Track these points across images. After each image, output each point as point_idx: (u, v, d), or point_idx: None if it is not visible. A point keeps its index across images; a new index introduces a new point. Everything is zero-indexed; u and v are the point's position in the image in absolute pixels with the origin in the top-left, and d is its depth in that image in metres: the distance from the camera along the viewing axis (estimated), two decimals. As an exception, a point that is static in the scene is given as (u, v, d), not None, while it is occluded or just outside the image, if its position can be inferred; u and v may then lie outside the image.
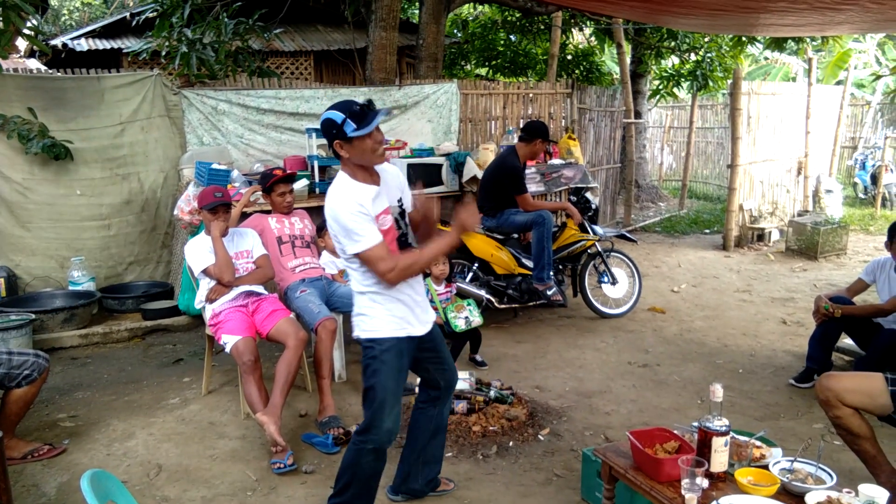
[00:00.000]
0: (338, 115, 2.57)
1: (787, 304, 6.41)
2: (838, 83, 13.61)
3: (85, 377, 4.79)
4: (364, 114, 2.56)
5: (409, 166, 6.00)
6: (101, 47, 9.07)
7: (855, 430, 2.84)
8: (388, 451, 2.84)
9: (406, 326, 2.74)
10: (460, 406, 3.85)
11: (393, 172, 2.84)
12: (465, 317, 4.67)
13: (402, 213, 2.83)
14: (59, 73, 5.94)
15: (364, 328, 2.73)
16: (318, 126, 6.09)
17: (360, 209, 2.55)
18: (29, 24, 5.58)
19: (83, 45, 9.11)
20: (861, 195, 12.79)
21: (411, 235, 2.86)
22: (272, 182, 4.57)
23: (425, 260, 2.69)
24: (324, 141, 6.13)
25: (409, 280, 2.72)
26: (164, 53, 5.92)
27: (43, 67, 9.82)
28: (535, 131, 5.44)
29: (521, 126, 5.79)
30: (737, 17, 4.84)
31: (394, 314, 2.71)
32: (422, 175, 5.85)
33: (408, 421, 3.28)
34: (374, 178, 2.71)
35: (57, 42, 9.15)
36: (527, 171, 6.08)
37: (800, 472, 2.42)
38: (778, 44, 10.41)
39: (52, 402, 4.34)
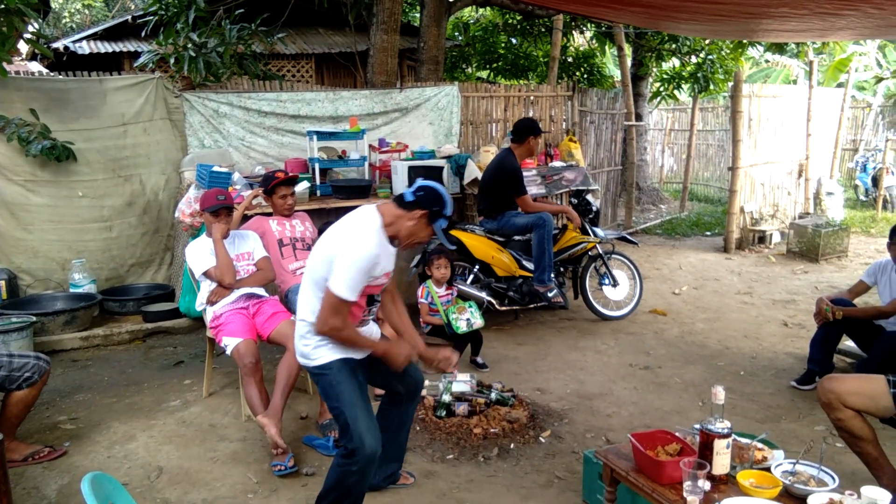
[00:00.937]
0: (448, 208, 2.77)
1: (788, 307, 6.41)
2: (839, 86, 13.60)
3: (86, 379, 4.79)
4: (451, 223, 2.77)
5: (411, 168, 6.00)
6: (102, 50, 9.09)
7: (857, 433, 2.84)
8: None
9: (348, 352, 2.79)
10: (461, 408, 3.85)
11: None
12: (467, 318, 4.68)
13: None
14: (61, 76, 5.94)
15: (311, 357, 2.79)
16: (317, 129, 6.11)
17: (367, 266, 2.63)
18: (31, 28, 5.59)
19: (85, 47, 9.12)
20: (862, 197, 12.78)
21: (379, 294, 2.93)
22: (274, 184, 4.57)
23: (361, 345, 2.80)
24: (325, 143, 6.18)
25: (361, 326, 2.88)
26: (172, 61, 5.93)
27: (45, 70, 9.84)
28: (523, 130, 5.45)
29: (511, 129, 5.79)
30: (738, 23, 4.85)
31: (333, 343, 2.77)
32: (422, 178, 5.84)
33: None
34: (392, 241, 2.80)
35: (59, 45, 9.17)
36: (527, 174, 6.09)
37: (802, 474, 2.42)
38: (779, 46, 10.44)
39: (52, 404, 4.33)
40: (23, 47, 5.82)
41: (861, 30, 5.02)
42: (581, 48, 13.17)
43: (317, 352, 2.76)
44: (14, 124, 5.48)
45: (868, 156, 13.24)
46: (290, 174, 4.79)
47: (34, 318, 5.11)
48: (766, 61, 18.91)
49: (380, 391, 3.68)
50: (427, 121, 7.10)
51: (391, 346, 2.88)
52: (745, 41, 10.70)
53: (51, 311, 5.41)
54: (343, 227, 2.74)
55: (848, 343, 4.72)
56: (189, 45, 5.93)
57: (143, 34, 6.43)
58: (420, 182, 2.77)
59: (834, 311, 4.30)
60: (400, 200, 2.74)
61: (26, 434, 3.82)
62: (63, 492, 3.30)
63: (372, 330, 2.97)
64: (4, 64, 5.29)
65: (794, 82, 17.52)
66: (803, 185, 9.74)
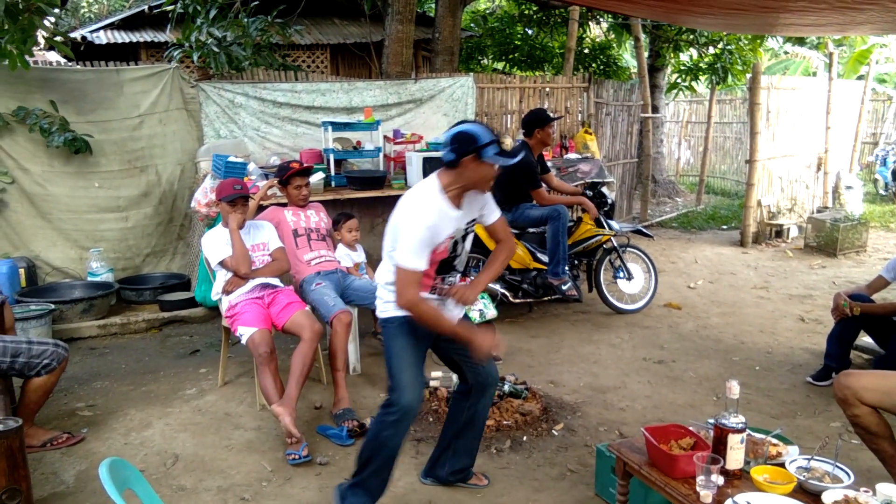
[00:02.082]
0: (485, 135, 2.62)
1: (805, 302, 6.35)
2: (859, 78, 13.42)
3: (103, 367, 4.85)
4: (502, 148, 2.65)
5: (425, 160, 5.99)
6: (119, 40, 9.14)
7: (873, 429, 2.81)
8: (403, 442, 2.88)
9: None
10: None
11: (480, 197, 2.86)
12: (480, 309, 4.67)
13: (465, 236, 2.89)
14: (78, 66, 5.99)
15: (381, 309, 2.90)
16: (332, 120, 6.12)
17: (427, 232, 2.62)
18: (48, 24, 5.63)
19: (102, 37, 9.18)
20: (882, 191, 12.63)
21: (460, 261, 2.93)
22: (289, 175, 4.59)
23: (439, 325, 2.76)
24: (339, 134, 6.18)
25: (433, 294, 2.86)
26: (195, 57, 5.95)
27: (63, 60, 9.91)
28: (529, 123, 5.44)
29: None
30: (756, 17, 4.80)
31: None
32: (436, 169, 5.84)
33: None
34: (458, 202, 2.77)
35: (76, 35, 9.23)
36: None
37: (817, 470, 2.40)
38: (798, 38, 10.30)
39: (70, 391, 4.39)
40: (41, 38, 5.86)
41: (882, 24, 4.94)
42: (597, 39, 13.09)
43: (387, 306, 2.84)
44: (35, 115, 5.53)
45: (888, 149, 13.06)
46: (305, 165, 4.80)
47: (53, 306, 5.18)
48: (786, 53, 18.68)
49: None
50: (442, 112, 7.09)
51: (477, 334, 2.79)
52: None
53: (69, 299, 5.47)
54: (405, 198, 2.76)
55: (865, 339, 4.68)
56: (209, 41, 5.95)
57: (168, 27, 6.44)
58: (448, 133, 2.73)
59: (852, 307, 4.26)
60: (446, 164, 2.72)
61: (45, 420, 3.88)
62: (81, 477, 3.35)
63: (454, 312, 2.94)
64: (25, 57, 5.33)
65: (814, 74, 17.30)
66: (822, 178, 9.63)
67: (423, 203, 2.69)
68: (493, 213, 2.94)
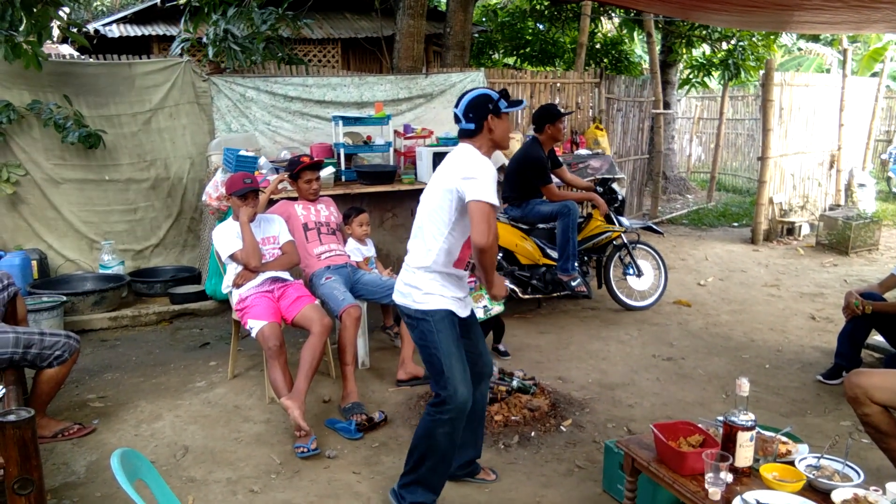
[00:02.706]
0: (492, 93, 2.84)
1: (816, 300, 6.32)
2: (874, 75, 13.29)
3: (114, 359, 4.88)
4: (509, 97, 2.86)
5: (435, 155, 5.98)
6: (132, 34, 9.17)
7: (883, 428, 2.79)
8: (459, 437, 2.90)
9: (453, 306, 2.85)
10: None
11: (494, 157, 2.99)
12: (483, 305, 4.65)
13: None
14: (91, 59, 6.01)
15: (415, 299, 2.84)
16: (343, 114, 6.12)
17: (494, 177, 2.72)
18: (62, 16, 5.66)
19: (114, 31, 9.21)
20: (894, 189, 12.53)
21: None
22: (299, 169, 4.60)
23: (493, 270, 2.83)
24: (350, 128, 6.19)
25: (464, 275, 2.93)
26: (210, 53, 5.96)
27: (76, 53, 9.97)
28: (539, 119, 5.42)
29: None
30: (771, 14, 4.76)
31: (446, 294, 2.83)
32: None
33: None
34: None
35: (89, 28, 9.27)
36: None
37: (826, 468, 2.39)
38: (812, 34, 10.21)
39: (81, 382, 4.43)
40: (54, 31, 5.89)
41: (897, 23, 4.89)
42: (609, 34, 13.01)
43: (427, 297, 2.81)
44: (49, 109, 5.56)
45: (902, 147, 12.97)
46: (316, 159, 4.81)
47: (65, 298, 5.21)
48: (799, 49, 18.56)
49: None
50: (452, 107, 7.07)
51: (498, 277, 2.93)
52: (777, 29, 10.49)
53: (81, 291, 5.51)
54: (456, 160, 2.81)
55: (877, 338, 4.65)
56: (220, 35, 5.96)
57: (182, 20, 6.46)
58: (460, 108, 2.86)
59: (864, 305, 4.23)
60: (469, 133, 2.84)
61: (56, 411, 3.92)
62: (91, 468, 3.38)
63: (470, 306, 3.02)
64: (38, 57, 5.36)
65: (828, 71, 17.17)
66: (834, 176, 9.56)
67: (481, 158, 2.79)
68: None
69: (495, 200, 2.67)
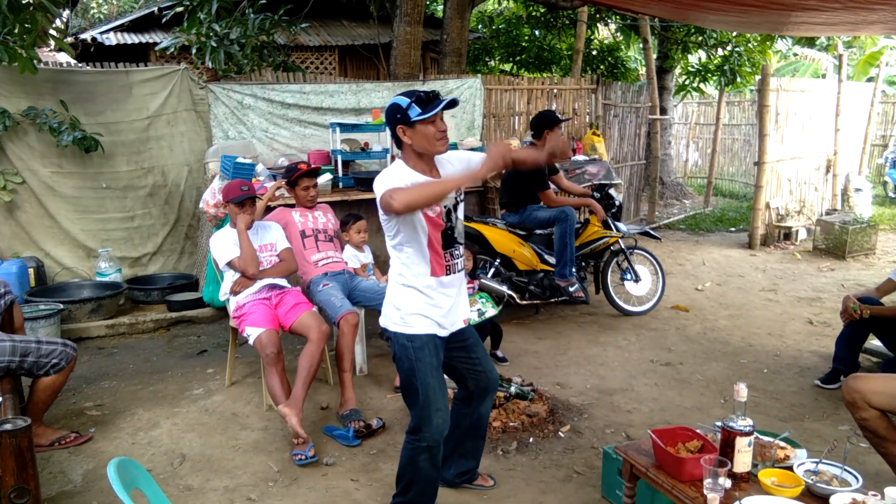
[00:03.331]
0: (403, 100, 2.61)
1: (813, 304, 6.32)
2: (869, 80, 13.35)
3: (111, 367, 4.87)
4: (429, 100, 2.59)
5: (432, 161, 6.00)
6: (129, 41, 9.19)
7: (881, 433, 2.80)
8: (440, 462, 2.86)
9: (435, 328, 2.75)
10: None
11: (458, 158, 2.81)
12: (478, 309, 4.63)
13: (456, 206, 2.81)
14: (88, 67, 6.02)
15: (395, 321, 2.75)
16: (340, 121, 6.13)
17: (400, 179, 2.57)
18: (55, 25, 5.65)
19: (112, 39, 9.23)
20: (891, 194, 12.55)
21: (458, 232, 2.82)
22: (296, 176, 4.60)
23: (444, 189, 2.57)
24: (347, 135, 6.19)
25: (448, 281, 2.75)
26: (194, 50, 5.96)
27: (73, 61, 9.96)
28: (538, 125, 5.43)
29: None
30: (768, 15, 4.77)
31: (427, 314, 2.72)
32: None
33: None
34: (431, 171, 2.71)
35: (86, 36, 9.29)
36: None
37: (825, 473, 2.39)
38: (808, 39, 10.28)
39: (78, 390, 4.41)
40: (51, 40, 5.89)
41: (894, 24, 4.91)
42: (605, 41, 13.06)
43: (408, 319, 2.72)
44: (45, 115, 5.56)
45: (898, 152, 13.00)
46: (313, 166, 4.81)
47: (62, 306, 5.20)
48: (795, 55, 18.62)
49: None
50: (450, 113, 7.06)
51: (484, 162, 2.64)
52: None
53: (77, 298, 5.50)
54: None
55: (874, 342, 4.65)
56: (211, 35, 5.96)
57: (163, 21, 6.44)
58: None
59: (861, 309, 4.23)
60: (396, 143, 2.72)
61: (53, 419, 3.90)
62: (88, 476, 3.36)
63: (462, 303, 2.88)
64: (33, 61, 5.36)
65: (824, 76, 17.22)
66: (831, 181, 9.59)
67: (390, 171, 2.67)
68: (477, 156, 2.83)
69: (394, 185, 2.53)
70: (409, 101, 2.59)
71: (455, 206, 2.80)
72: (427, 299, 2.72)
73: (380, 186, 2.58)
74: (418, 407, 2.71)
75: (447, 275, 2.75)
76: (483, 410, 3.09)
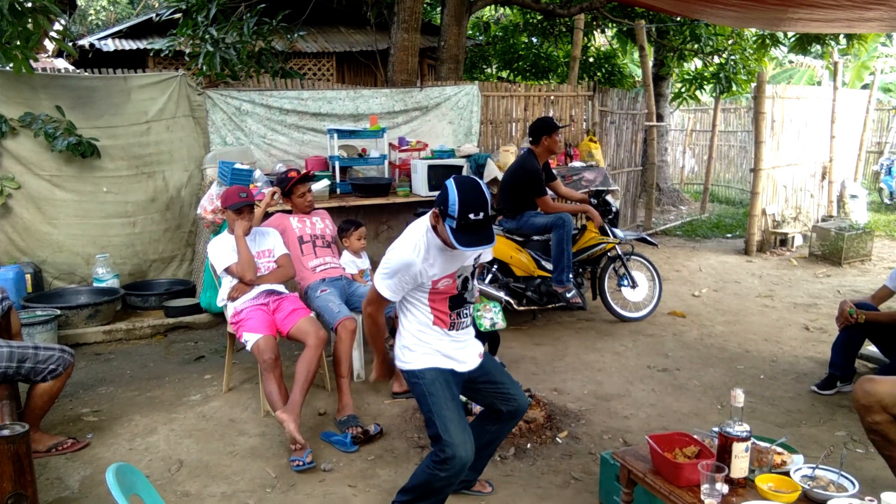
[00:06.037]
0: (456, 199, 2.46)
1: (809, 310, 6.34)
2: (864, 87, 13.42)
3: (108, 373, 4.86)
4: (473, 224, 2.48)
5: (430, 168, 6.02)
6: (127, 48, 9.19)
7: (891, 437, 2.78)
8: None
9: (447, 362, 2.79)
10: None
11: None
12: (491, 318, 4.63)
13: (474, 272, 2.86)
14: (86, 73, 6.02)
15: (404, 360, 2.81)
16: (338, 127, 6.13)
17: (407, 266, 2.60)
18: (56, 27, 5.65)
19: (110, 45, 9.23)
20: (887, 200, 12.61)
21: (470, 293, 2.85)
22: (290, 185, 4.62)
23: (374, 344, 2.90)
24: (345, 141, 6.21)
25: (455, 335, 2.82)
26: (187, 53, 5.95)
27: (70, 67, 9.98)
28: (536, 131, 5.45)
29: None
30: (766, 10, 4.80)
31: (436, 350, 2.78)
32: (442, 177, 5.87)
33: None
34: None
35: (84, 42, 9.29)
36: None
37: (821, 479, 2.40)
38: (803, 47, 10.27)
39: (76, 396, 4.40)
40: (49, 45, 5.89)
41: (891, 21, 4.93)
42: (602, 48, 13.11)
43: (415, 357, 2.77)
44: (41, 120, 5.57)
45: (893, 158, 13.06)
46: (304, 172, 4.82)
47: (59, 312, 5.20)
48: (790, 62, 18.72)
49: None
50: (447, 120, 7.12)
51: (377, 364, 3.02)
52: (768, 41, 10.58)
53: (75, 304, 5.48)
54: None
55: (870, 348, 4.67)
56: (207, 40, 5.96)
57: (157, 22, 6.43)
58: (449, 180, 2.59)
59: (857, 315, 4.25)
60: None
61: (50, 425, 3.89)
62: (86, 482, 3.36)
63: (471, 344, 2.92)
64: (31, 61, 5.37)
65: (819, 83, 17.32)
66: (826, 187, 9.62)
67: (412, 239, 2.66)
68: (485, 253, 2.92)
69: (382, 287, 2.66)
70: (459, 209, 2.46)
71: (473, 273, 2.85)
72: (437, 338, 2.78)
73: (394, 252, 2.66)
74: (441, 442, 2.69)
75: (451, 330, 2.81)
76: (504, 432, 3.10)
